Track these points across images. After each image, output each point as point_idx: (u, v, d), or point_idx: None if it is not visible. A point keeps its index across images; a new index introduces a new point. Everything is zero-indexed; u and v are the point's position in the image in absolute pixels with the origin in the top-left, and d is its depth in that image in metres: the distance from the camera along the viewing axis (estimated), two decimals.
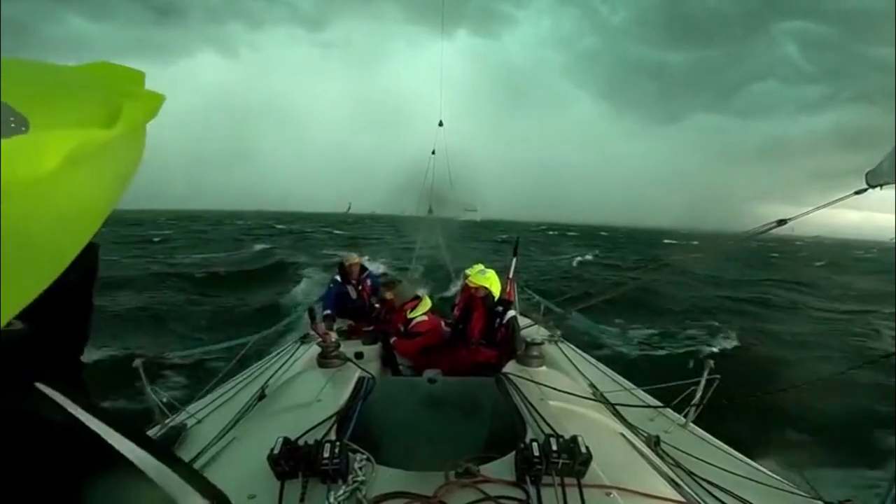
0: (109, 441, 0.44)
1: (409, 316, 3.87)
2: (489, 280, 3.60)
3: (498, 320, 3.49)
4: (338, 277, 4.78)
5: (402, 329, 3.87)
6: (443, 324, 4.20)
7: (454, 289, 7.99)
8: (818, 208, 2.09)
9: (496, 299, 3.59)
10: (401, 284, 4.31)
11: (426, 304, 3.99)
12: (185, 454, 1.99)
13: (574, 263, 24.75)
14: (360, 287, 4.76)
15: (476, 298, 3.56)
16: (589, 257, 28.15)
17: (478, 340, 3.50)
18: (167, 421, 2.48)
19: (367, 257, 7.36)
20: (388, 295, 4.21)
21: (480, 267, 4.71)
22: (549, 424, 1.83)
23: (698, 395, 2.76)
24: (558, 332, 4.09)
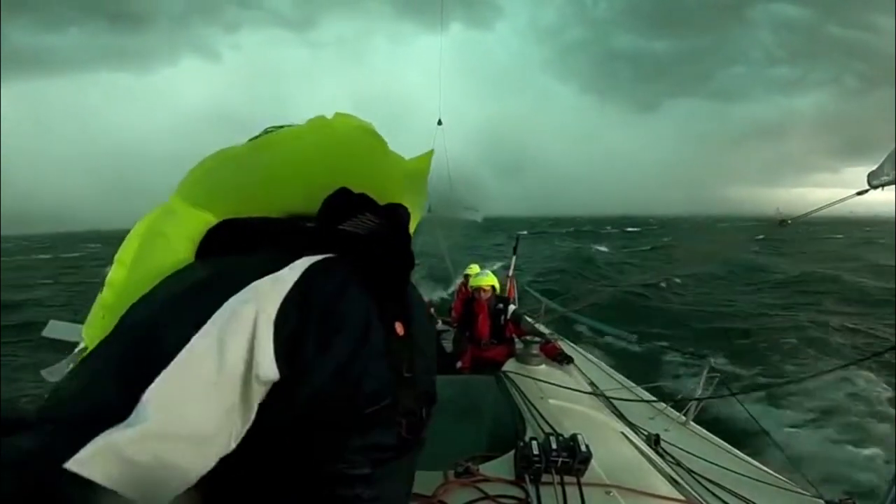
0: None
1: None
2: (491, 280, 3.68)
3: (503, 317, 3.56)
4: None
5: None
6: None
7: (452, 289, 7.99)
8: (821, 209, 2.08)
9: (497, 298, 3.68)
10: None
11: None
12: None
13: None
14: None
15: (481, 301, 3.60)
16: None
17: (488, 340, 3.56)
18: None
19: None
20: None
21: (477, 268, 4.79)
22: (548, 423, 1.82)
23: (698, 392, 2.76)
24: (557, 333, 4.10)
